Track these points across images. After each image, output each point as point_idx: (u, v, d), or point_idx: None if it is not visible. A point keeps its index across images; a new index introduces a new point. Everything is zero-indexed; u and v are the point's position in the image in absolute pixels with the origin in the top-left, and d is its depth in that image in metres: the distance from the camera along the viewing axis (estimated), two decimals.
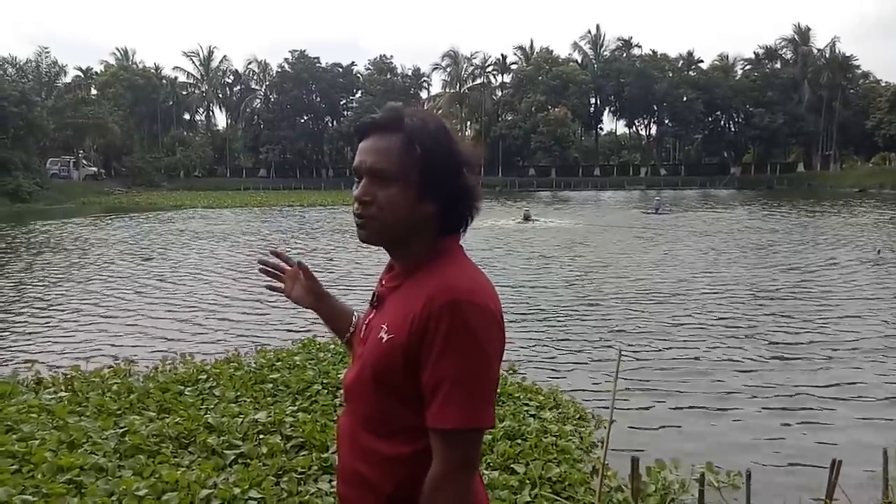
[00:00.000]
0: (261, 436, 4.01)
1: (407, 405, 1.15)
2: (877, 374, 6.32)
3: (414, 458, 1.15)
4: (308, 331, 7.56)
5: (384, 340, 1.15)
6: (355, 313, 1.49)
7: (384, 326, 1.17)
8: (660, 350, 7.14)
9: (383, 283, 1.28)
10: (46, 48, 53.00)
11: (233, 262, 14.57)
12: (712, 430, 4.99)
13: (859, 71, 65.41)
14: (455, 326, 1.08)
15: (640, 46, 71.04)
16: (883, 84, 62.34)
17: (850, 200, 37.30)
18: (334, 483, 3.34)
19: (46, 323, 8.67)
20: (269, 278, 1.53)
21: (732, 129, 69.57)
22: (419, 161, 1.16)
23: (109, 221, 26.72)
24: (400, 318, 1.14)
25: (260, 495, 3.22)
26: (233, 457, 3.73)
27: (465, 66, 69.99)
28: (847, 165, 65.24)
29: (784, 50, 67.63)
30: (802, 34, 65.99)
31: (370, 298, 1.29)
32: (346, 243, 17.79)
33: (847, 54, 63.87)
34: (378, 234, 1.20)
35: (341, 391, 1.39)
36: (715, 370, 6.44)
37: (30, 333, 8.08)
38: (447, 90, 71.11)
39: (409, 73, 69.78)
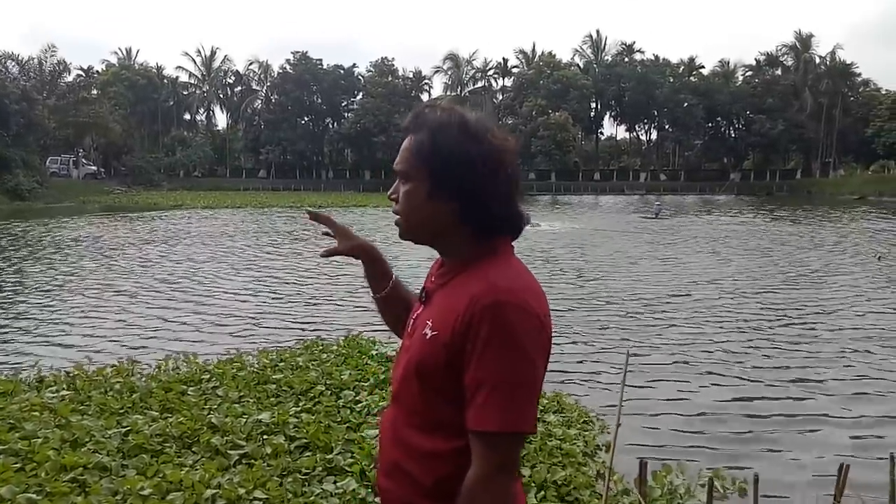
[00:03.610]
0: (264, 436, 3.99)
1: (449, 402, 1.14)
2: (882, 377, 6.34)
3: (454, 455, 1.14)
4: (304, 329, 7.56)
5: (428, 337, 1.16)
6: (395, 275, 1.52)
7: (429, 322, 1.18)
8: (664, 352, 7.14)
9: (432, 279, 1.28)
10: (54, 47, 52.82)
11: (231, 263, 14.56)
12: (718, 433, 4.98)
13: (860, 78, 65.62)
14: (496, 328, 1.07)
15: (641, 51, 71.25)
16: (883, 92, 62.46)
17: (850, 208, 37.33)
18: (339, 484, 3.35)
19: (47, 321, 8.65)
20: (321, 225, 1.54)
21: (732, 135, 69.69)
22: (427, 159, 1.18)
23: (115, 220, 26.70)
24: (445, 316, 1.15)
25: (265, 496, 3.20)
26: (237, 457, 3.71)
27: (466, 69, 70.18)
28: (846, 173, 65.33)
29: (785, 57, 67.79)
30: (804, 41, 66.13)
31: (419, 294, 1.30)
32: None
33: (848, 62, 64.11)
34: (405, 231, 1.25)
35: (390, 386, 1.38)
36: (721, 373, 6.45)
37: (30, 332, 8.06)
38: (448, 93, 71.17)
39: (411, 76, 69.86)
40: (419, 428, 1.19)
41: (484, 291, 1.10)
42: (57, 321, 8.67)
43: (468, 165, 1.17)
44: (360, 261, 1.52)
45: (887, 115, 54.46)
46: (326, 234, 1.54)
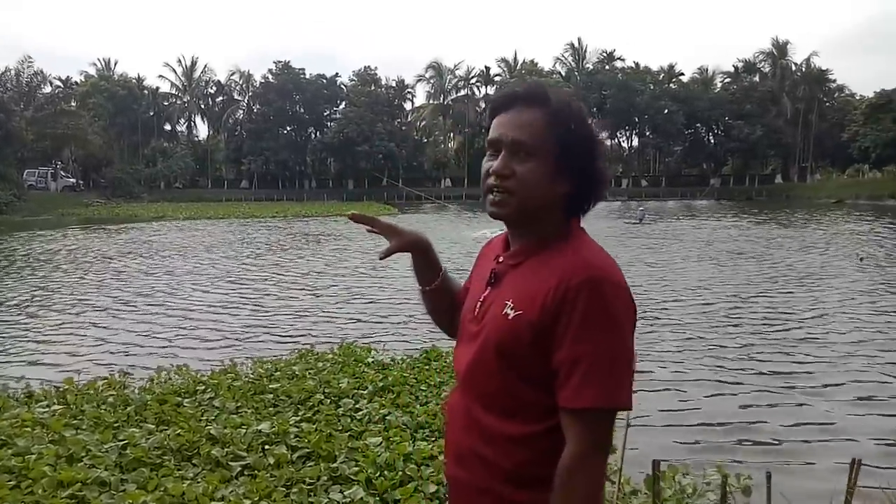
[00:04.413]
0: (265, 447, 3.91)
1: (530, 384, 1.12)
2: (885, 374, 6.44)
3: (536, 438, 1.12)
4: (296, 341, 7.46)
5: (510, 317, 1.13)
6: (444, 267, 1.46)
7: (509, 303, 1.15)
8: (664, 359, 7.15)
9: (500, 260, 1.25)
10: (31, 58, 52.13)
11: (214, 276, 14.39)
12: (723, 431, 5.01)
13: (835, 84, 66.99)
14: (594, 304, 1.06)
15: (622, 59, 71.96)
16: (857, 98, 63.82)
17: (829, 211, 37.96)
18: (346, 493, 3.28)
19: (23, 339, 8.43)
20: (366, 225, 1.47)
21: (712, 141, 70.58)
22: (561, 139, 1.14)
23: (91, 233, 26.29)
24: (530, 295, 1.12)
25: None
26: (239, 468, 3.64)
27: (448, 77, 70.32)
28: (823, 177, 66.49)
29: (762, 63, 68.90)
30: (780, 48, 67.29)
31: (487, 277, 1.26)
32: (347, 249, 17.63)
33: (823, 68, 65.40)
34: (513, 209, 1.17)
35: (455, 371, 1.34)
36: (721, 372, 6.49)
37: (7, 351, 7.84)
38: (431, 101, 71.34)
39: (394, 85, 69.87)
40: (497, 412, 1.16)
41: (578, 268, 1.09)
42: (35, 339, 8.42)
43: (592, 147, 1.17)
44: (408, 254, 1.45)
45: (862, 120, 55.52)
46: (371, 231, 1.47)
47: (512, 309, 1.13)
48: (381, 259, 1.46)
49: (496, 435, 1.15)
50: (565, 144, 1.14)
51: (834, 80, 66.47)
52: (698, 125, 69.21)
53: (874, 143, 52.36)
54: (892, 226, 26.78)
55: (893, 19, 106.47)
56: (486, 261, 1.31)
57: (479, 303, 1.24)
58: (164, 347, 7.81)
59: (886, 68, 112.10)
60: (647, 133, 70.45)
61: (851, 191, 54.08)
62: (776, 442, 4.94)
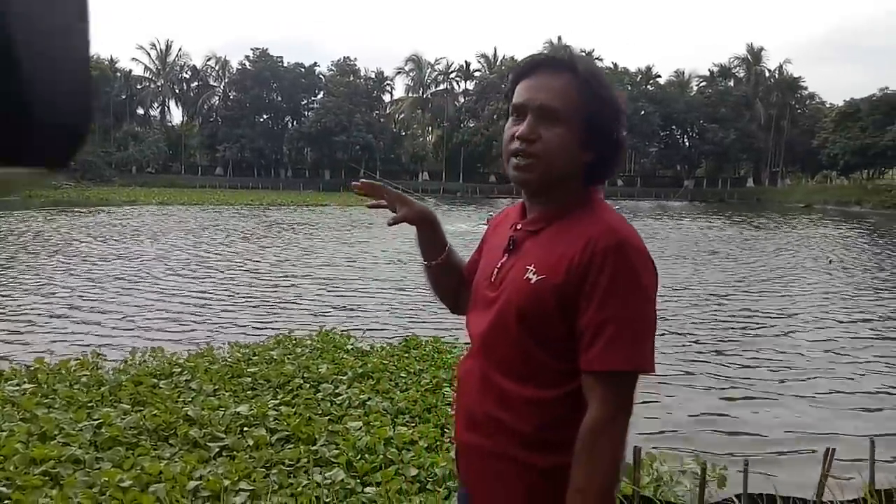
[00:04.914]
0: (244, 429, 3.87)
1: (548, 349, 1.13)
2: (855, 371, 6.63)
3: (553, 402, 1.13)
4: (268, 328, 7.38)
5: (533, 281, 1.13)
6: (450, 246, 1.44)
7: (530, 268, 1.15)
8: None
9: (517, 227, 1.25)
10: None
11: (186, 260, 14.17)
12: (698, 426, 5.09)
13: (806, 92, 68.39)
14: (620, 268, 1.07)
15: (600, 59, 72.36)
16: (828, 105, 65.31)
17: (799, 215, 38.82)
18: (327, 475, 3.26)
19: (9, 312, 8.23)
20: (369, 198, 1.46)
21: (687, 144, 71.53)
22: (589, 106, 1.14)
23: (60, 216, 25.66)
24: (553, 260, 1.12)
25: (251, 487, 3.10)
26: (217, 449, 3.60)
27: (428, 71, 70.10)
28: (793, 182, 67.91)
29: (737, 69, 70.02)
30: (755, 54, 68.45)
31: (504, 245, 1.25)
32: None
33: (795, 76, 66.74)
34: (537, 175, 1.16)
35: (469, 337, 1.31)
36: (700, 363, 6.60)
37: None
38: (410, 94, 71.04)
39: (373, 76, 69.39)
40: (515, 376, 1.16)
41: (604, 234, 1.10)
42: (7, 317, 8.25)
43: (618, 116, 1.18)
44: (414, 227, 1.43)
45: (831, 128, 56.81)
46: (375, 206, 1.44)
47: (534, 274, 1.14)
48: (389, 225, 1.43)
49: (514, 399, 1.15)
50: (593, 112, 1.14)
51: (805, 88, 67.96)
52: (674, 127, 70.09)
53: (842, 150, 53.63)
54: (859, 230, 27.54)
55: (859, 30, 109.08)
56: (502, 230, 1.31)
57: (497, 269, 1.23)
58: (132, 331, 7.65)
59: (853, 79, 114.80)
60: (624, 133, 71.08)
61: (820, 196, 55.37)
62: (752, 436, 5.04)
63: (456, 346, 6.14)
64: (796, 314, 9.65)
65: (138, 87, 67.95)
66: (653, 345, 1.10)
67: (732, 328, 8.65)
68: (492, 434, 1.18)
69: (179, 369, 5.07)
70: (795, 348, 7.59)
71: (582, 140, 1.15)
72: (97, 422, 3.78)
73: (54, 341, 7.04)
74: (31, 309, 8.75)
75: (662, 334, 8.10)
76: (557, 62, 1.17)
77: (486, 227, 1.39)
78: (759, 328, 8.68)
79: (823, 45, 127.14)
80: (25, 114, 0.21)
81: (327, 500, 2.98)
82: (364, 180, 1.44)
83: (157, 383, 4.67)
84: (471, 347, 1.29)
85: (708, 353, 7.35)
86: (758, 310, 9.90)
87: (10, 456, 3.21)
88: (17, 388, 4.47)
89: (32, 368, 5.04)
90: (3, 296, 9.62)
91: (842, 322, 9.17)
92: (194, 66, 70.02)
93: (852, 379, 6.48)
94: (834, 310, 10.05)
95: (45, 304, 9.10)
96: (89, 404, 4.18)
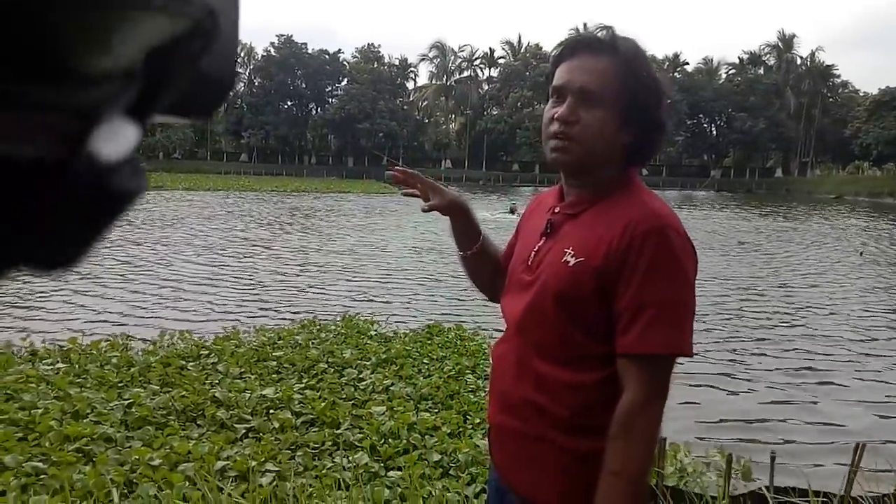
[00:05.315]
0: (270, 411, 3.93)
1: (586, 332, 1.12)
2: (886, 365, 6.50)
3: (590, 386, 1.13)
4: (296, 313, 7.44)
5: (572, 264, 1.13)
6: (485, 234, 1.44)
7: (569, 250, 1.14)
8: None
9: (556, 211, 1.24)
10: None
11: (213, 244, 14.36)
12: (729, 421, 5.04)
13: (839, 80, 66.74)
14: (661, 251, 1.07)
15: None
16: (861, 94, 63.65)
17: (829, 206, 37.99)
18: (352, 458, 3.30)
19: (35, 296, 8.41)
20: (404, 186, 1.45)
21: (714, 133, 70.39)
22: (630, 88, 1.13)
23: None
24: (592, 243, 1.12)
25: (276, 468, 3.16)
26: (244, 430, 3.66)
27: (452, 58, 69.81)
28: (823, 172, 66.52)
29: (767, 56, 68.55)
30: (786, 41, 66.94)
31: (542, 229, 1.25)
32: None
33: (828, 63, 65.12)
34: (576, 157, 1.15)
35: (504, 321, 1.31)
36: (721, 356, 6.52)
37: (16, 306, 7.84)
38: (434, 81, 70.84)
39: (397, 63, 69.30)
40: (552, 360, 1.16)
41: (644, 216, 1.10)
42: (24, 305, 8.32)
43: (659, 99, 1.16)
44: (447, 217, 1.41)
45: (865, 117, 55.44)
46: (408, 194, 1.44)
47: (573, 256, 1.13)
48: (423, 211, 1.42)
49: (551, 382, 1.15)
50: (634, 94, 1.13)
51: (838, 76, 66.34)
52: (701, 115, 68.96)
53: (876, 140, 52.32)
54: (893, 223, 26.89)
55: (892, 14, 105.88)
56: (539, 213, 1.30)
57: (534, 252, 1.23)
58: (163, 311, 7.79)
59: (886, 65, 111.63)
60: (665, 115, 70.10)
61: (851, 187, 54.18)
62: (781, 429, 4.97)
63: (478, 334, 6.15)
64: (829, 307, 9.47)
65: None
66: (691, 329, 1.09)
67: (767, 319, 8.51)
68: (528, 417, 1.18)
69: (206, 352, 5.16)
70: (831, 342, 7.44)
71: (622, 122, 1.13)
72: (128, 401, 3.87)
73: (87, 322, 7.20)
74: (59, 292, 8.94)
75: (702, 330, 8.00)
76: (599, 43, 1.16)
77: (510, 216, 1.37)
78: (795, 326, 8.49)
79: (857, 31, 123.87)
80: (204, 78, 0.22)
81: (351, 483, 3.02)
82: (398, 168, 1.44)
83: (184, 365, 4.75)
84: (506, 331, 1.29)
85: (738, 344, 7.24)
86: (793, 302, 9.73)
87: (45, 433, 3.30)
88: (52, 367, 4.59)
89: (66, 348, 5.17)
90: (22, 280, 9.84)
91: (873, 314, 8.97)
92: None
93: (881, 372, 6.36)
94: (872, 302, 9.84)
95: (74, 286, 9.29)
96: (120, 384, 4.28)
